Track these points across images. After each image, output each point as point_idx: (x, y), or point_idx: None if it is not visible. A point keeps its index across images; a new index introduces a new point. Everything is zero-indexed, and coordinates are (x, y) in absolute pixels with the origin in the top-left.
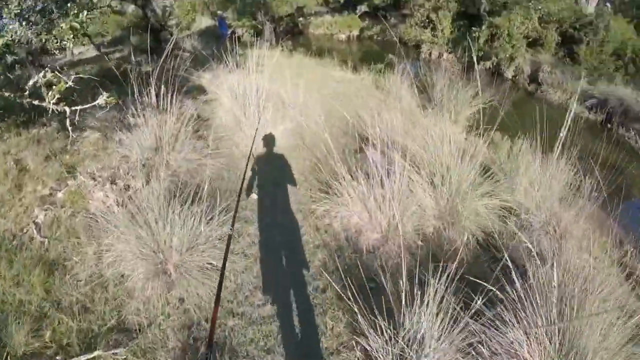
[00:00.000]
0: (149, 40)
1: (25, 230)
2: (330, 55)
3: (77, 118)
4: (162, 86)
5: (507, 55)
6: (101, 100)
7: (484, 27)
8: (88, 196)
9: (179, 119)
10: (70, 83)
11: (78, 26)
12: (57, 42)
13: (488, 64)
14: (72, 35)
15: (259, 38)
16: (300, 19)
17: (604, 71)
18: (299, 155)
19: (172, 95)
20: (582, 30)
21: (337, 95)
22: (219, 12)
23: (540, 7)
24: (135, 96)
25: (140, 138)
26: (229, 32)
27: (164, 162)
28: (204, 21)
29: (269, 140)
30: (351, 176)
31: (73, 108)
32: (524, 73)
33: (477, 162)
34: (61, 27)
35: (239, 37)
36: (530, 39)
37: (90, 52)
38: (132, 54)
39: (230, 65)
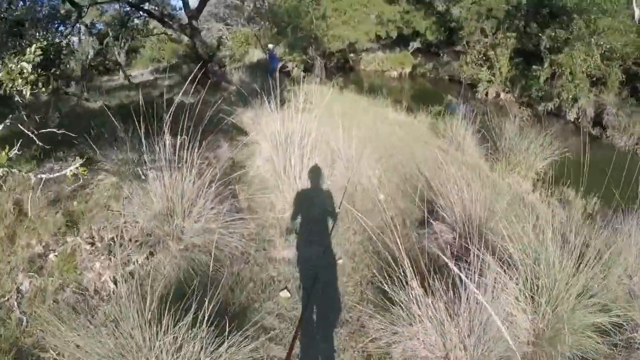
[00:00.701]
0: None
1: (6, 298)
2: (382, 94)
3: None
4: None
5: (570, 96)
6: (69, 170)
7: (545, 65)
8: (82, 265)
9: (202, 173)
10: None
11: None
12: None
13: (550, 105)
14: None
15: (309, 73)
16: (352, 54)
17: None
18: (347, 226)
19: (193, 143)
20: None
21: (391, 142)
22: (269, 45)
23: (602, 43)
24: (150, 140)
25: (148, 200)
26: (279, 65)
27: (173, 234)
28: (256, 54)
29: (309, 203)
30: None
31: (39, 176)
32: (586, 115)
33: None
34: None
35: (288, 72)
36: (594, 78)
37: (146, 76)
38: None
39: (276, 103)
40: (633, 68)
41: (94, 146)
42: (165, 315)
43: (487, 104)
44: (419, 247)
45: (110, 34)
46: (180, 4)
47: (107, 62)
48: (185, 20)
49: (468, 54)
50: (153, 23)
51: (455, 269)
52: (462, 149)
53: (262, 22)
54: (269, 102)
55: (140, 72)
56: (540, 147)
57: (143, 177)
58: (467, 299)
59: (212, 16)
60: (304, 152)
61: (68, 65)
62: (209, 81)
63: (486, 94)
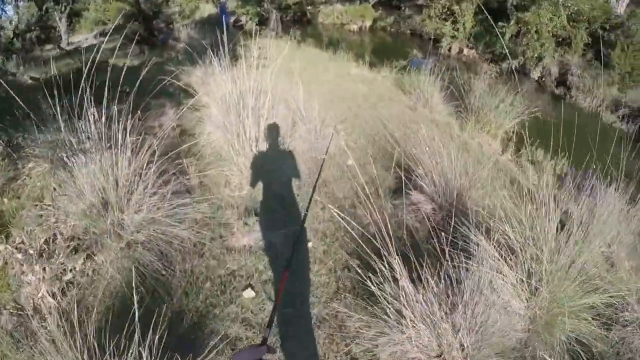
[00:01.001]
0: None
1: None
2: (342, 48)
3: None
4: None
5: (535, 55)
6: None
7: (511, 23)
8: (16, 279)
9: (143, 152)
10: None
11: None
12: None
13: (514, 62)
14: None
15: (264, 27)
16: (309, 7)
17: (637, 78)
18: (315, 199)
19: (128, 114)
20: (613, 32)
21: (356, 101)
22: None
23: (570, 4)
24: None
25: (77, 191)
26: (232, 19)
27: (111, 230)
28: (207, 9)
29: (270, 175)
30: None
31: None
32: (551, 75)
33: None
34: None
35: (242, 26)
36: (560, 39)
37: (90, 40)
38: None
39: (227, 60)
40: (599, 32)
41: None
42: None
43: (451, 60)
44: (395, 221)
45: None
46: None
47: (47, 29)
48: None
49: (432, 7)
50: None
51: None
52: (430, 107)
53: None
54: (218, 60)
55: (85, 37)
56: (510, 106)
57: (69, 164)
58: (463, 289)
59: None
60: (259, 115)
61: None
62: (155, 40)
63: (449, 50)
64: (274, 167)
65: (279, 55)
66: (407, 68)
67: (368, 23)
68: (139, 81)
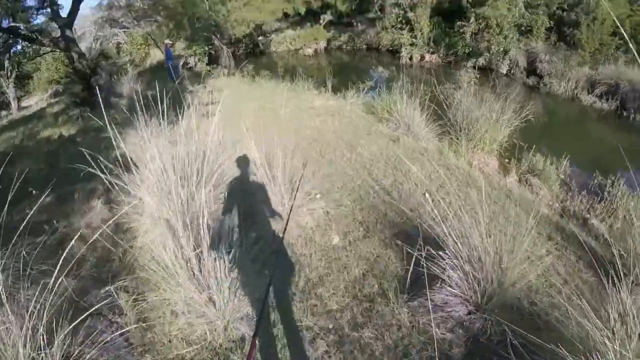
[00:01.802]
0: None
1: None
2: (300, 76)
3: None
4: None
5: (501, 49)
6: None
7: (471, 21)
8: None
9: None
10: None
11: None
12: None
13: (480, 60)
14: None
15: (214, 65)
16: (260, 38)
17: (606, 52)
18: (301, 322)
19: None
20: (573, 11)
21: (327, 141)
22: (166, 41)
23: None
24: None
25: None
26: (181, 62)
27: None
28: (158, 55)
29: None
30: None
31: None
32: (519, 66)
33: None
34: None
35: (191, 68)
36: (523, 27)
37: (42, 103)
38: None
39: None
40: (558, 13)
41: None
42: None
43: (414, 69)
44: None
45: None
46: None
47: None
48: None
49: (386, 18)
50: None
51: None
52: (414, 133)
53: (157, 19)
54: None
55: (40, 98)
56: (501, 114)
57: None
58: None
59: (107, 21)
60: (209, 192)
61: None
62: (95, 100)
63: (410, 58)
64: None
65: (230, 96)
66: (375, 89)
67: (322, 44)
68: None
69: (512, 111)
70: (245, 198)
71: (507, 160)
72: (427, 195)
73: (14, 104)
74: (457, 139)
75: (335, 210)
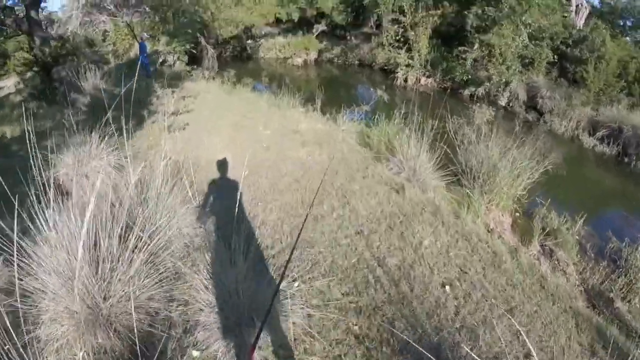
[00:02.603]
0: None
1: None
2: (286, 87)
3: None
4: None
5: (503, 80)
6: None
7: (475, 47)
8: None
9: None
10: None
11: None
12: None
13: (480, 90)
14: None
15: (195, 67)
16: (249, 41)
17: (610, 94)
18: None
19: None
20: (577, 47)
21: (310, 181)
22: (143, 34)
23: (530, 22)
24: None
25: None
26: (160, 60)
27: None
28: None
29: None
30: None
31: None
32: (519, 99)
33: None
34: None
35: (169, 66)
36: (527, 60)
37: (12, 88)
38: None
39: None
40: (561, 48)
41: None
42: None
43: (410, 92)
44: None
45: None
46: None
47: None
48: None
49: (384, 35)
50: None
51: None
52: (421, 181)
53: (144, 9)
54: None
55: (17, 81)
56: (519, 163)
57: None
58: None
59: (95, 7)
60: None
61: None
62: (55, 95)
63: (405, 80)
64: None
65: (204, 105)
66: (375, 117)
67: (313, 55)
68: None
69: (535, 161)
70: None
71: (517, 213)
72: (447, 289)
73: None
74: (471, 192)
75: (320, 312)
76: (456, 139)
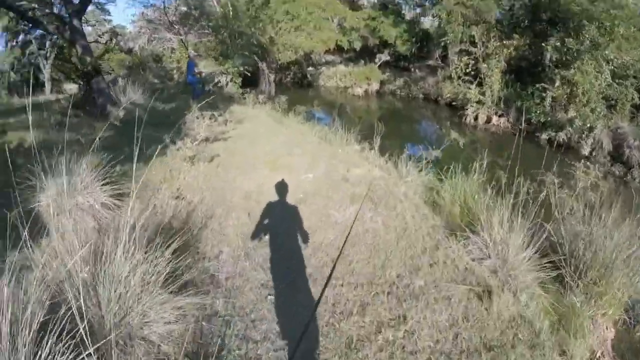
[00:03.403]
0: None
1: None
2: (344, 118)
3: None
4: None
5: (588, 124)
6: None
7: (557, 84)
8: None
9: None
10: None
11: None
12: None
13: (561, 135)
14: None
15: (248, 90)
16: (310, 68)
17: None
18: None
19: None
20: None
21: (352, 262)
22: (190, 51)
23: (613, 57)
24: None
25: None
26: (213, 81)
27: None
28: (202, 65)
29: None
30: None
31: None
32: (603, 148)
33: None
34: None
35: (221, 87)
36: (612, 101)
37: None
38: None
39: None
40: None
41: None
42: None
43: (478, 131)
44: None
45: (33, 42)
46: None
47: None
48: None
49: (452, 67)
50: None
51: None
52: (512, 277)
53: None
54: None
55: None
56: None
57: None
58: None
59: (163, 24)
60: None
61: None
62: (92, 109)
63: (475, 118)
64: None
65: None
66: (448, 168)
67: (375, 86)
68: None
69: None
70: None
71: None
72: None
73: (47, 86)
74: (576, 297)
75: None
76: (559, 212)
